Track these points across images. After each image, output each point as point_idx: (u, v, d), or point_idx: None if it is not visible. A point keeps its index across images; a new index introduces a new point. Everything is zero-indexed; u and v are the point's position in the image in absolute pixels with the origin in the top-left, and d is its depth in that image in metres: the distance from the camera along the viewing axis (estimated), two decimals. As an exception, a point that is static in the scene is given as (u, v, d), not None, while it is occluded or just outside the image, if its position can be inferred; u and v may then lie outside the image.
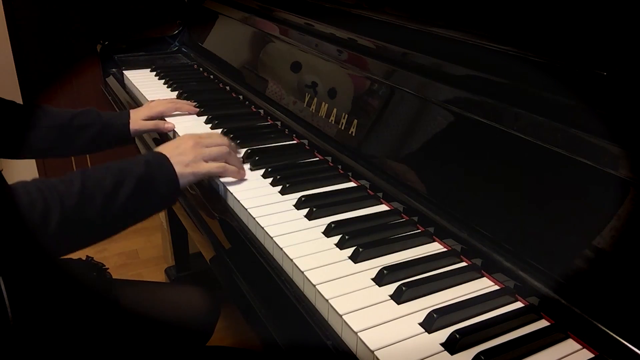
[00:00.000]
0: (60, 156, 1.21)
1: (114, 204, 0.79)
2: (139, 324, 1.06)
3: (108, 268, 1.08)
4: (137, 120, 1.21)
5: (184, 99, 1.37)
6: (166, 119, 1.25)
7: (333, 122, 1.06)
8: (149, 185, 0.84)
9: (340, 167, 1.01)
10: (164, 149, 0.91)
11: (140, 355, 1.03)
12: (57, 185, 0.77)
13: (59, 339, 0.91)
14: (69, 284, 0.98)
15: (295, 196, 0.90)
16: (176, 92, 1.44)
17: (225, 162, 0.95)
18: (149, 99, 1.39)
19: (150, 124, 1.21)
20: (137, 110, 1.24)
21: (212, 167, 0.92)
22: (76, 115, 1.15)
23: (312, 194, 0.90)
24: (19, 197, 0.72)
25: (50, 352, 0.90)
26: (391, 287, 0.68)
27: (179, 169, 0.87)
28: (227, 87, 1.49)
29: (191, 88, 1.47)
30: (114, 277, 1.10)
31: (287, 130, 1.18)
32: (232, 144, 1.00)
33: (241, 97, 1.41)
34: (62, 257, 1.05)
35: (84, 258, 1.09)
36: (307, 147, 1.11)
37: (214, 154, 0.93)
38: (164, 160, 0.87)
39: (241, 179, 0.96)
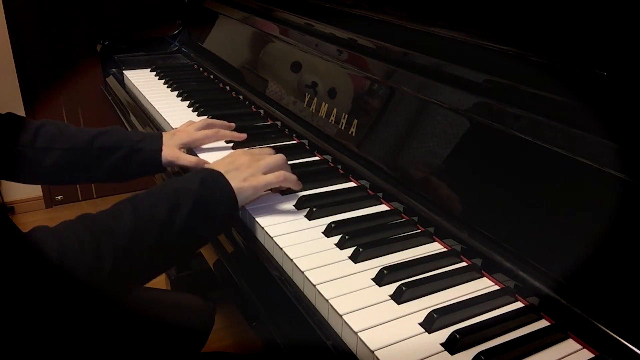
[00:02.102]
0: (74, 183, 1.10)
1: (171, 231, 0.72)
2: (134, 327, 1.05)
3: None
4: (173, 147, 1.03)
5: (189, 102, 1.35)
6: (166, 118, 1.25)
7: (333, 122, 1.06)
8: (206, 206, 0.76)
9: (340, 167, 1.01)
10: (218, 165, 0.85)
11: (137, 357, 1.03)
12: (107, 222, 0.69)
13: (54, 338, 0.91)
14: (64, 282, 0.98)
15: (295, 196, 0.90)
16: (176, 92, 1.44)
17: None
18: (149, 99, 1.39)
19: (193, 160, 1.01)
20: (170, 135, 1.06)
21: (271, 177, 0.86)
22: (97, 136, 1.00)
23: (312, 194, 0.90)
24: (67, 244, 0.64)
25: (46, 350, 0.90)
26: (391, 287, 0.68)
27: (236, 183, 0.81)
28: (227, 87, 1.49)
29: (191, 88, 1.47)
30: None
31: (287, 130, 1.18)
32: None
33: (241, 97, 1.41)
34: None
35: None
36: (307, 147, 1.11)
37: (270, 164, 0.87)
38: (220, 177, 0.80)
39: None
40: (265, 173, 0.86)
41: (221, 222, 0.81)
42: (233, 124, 1.14)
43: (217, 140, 1.11)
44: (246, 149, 0.93)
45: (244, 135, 1.12)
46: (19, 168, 0.98)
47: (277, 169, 0.88)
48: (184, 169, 1.04)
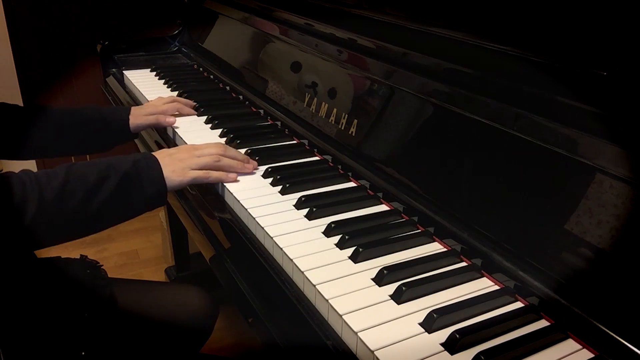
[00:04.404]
0: (61, 155, 1.20)
1: (95, 199, 0.80)
2: (138, 323, 1.06)
3: (102, 265, 1.08)
4: (139, 115, 1.20)
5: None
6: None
7: (333, 122, 1.06)
8: (133, 183, 0.84)
9: (340, 167, 1.01)
10: (159, 153, 0.92)
11: (139, 355, 1.03)
12: (40, 177, 0.78)
13: (55, 336, 0.91)
14: (62, 281, 0.98)
15: (295, 196, 0.90)
16: (176, 92, 1.44)
17: (215, 169, 0.95)
18: (149, 99, 1.39)
19: (152, 118, 1.20)
20: (138, 108, 1.24)
21: (197, 174, 0.92)
22: (76, 112, 1.15)
23: (312, 194, 0.90)
24: (14, 183, 0.74)
25: (46, 349, 0.90)
26: (391, 287, 0.68)
27: (166, 172, 0.88)
28: (227, 87, 1.49)
29: (191, 88, 1.47)
30: (114, 277, 1.10)
31: (287, 130, 1.18)
32: (232, 149, 1.00)
33: (241, 97, 1.41)
34: (59, 257, 1.05)
35: (77, 257, 1.09)
36: (307, 147, 1.11)
37: (202, 163, 0.94)
38: (154, 161, 0.88)
39: (243, 179, 0.96)
40: (197, 169, 0.93)
41: (144, 201, 0.87)
42: (194, 103, 1.32)
43: (177, 111, 1.26)
44: (193, 144, 1.01)
45: (195, 113, 1.29)
46: (11, 147, 1.12)
47: (208, 167, 0.94)
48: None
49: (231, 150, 0.99)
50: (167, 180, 0.88)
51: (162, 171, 0.88)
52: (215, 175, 0.94)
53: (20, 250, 0.81)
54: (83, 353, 0.91)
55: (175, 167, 0.90)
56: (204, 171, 0.93)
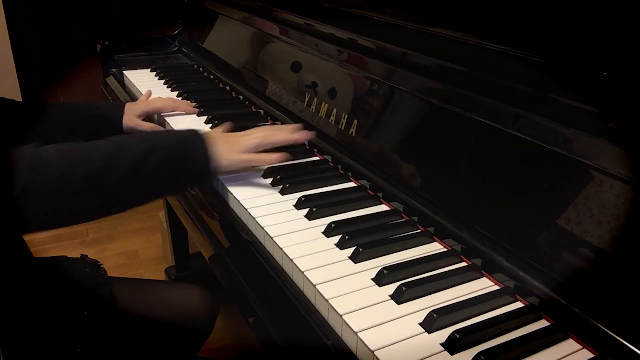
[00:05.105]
0: None
1: (141, 170, 0.78)
2: (137, 322, 1.06)
3: (102, 264, 1.08)
4: (132, 116, 1.17)
5: (184, 99, 1.36)
6: (166, 118, 1.25)
7: (333, 122, 1.06)
8: (179, 158, 0.83)
9: (340, 167, 1.01)
10: (211, 131, 0.91)
11: (139, 354, 1.03)
12: (87, 148, 0.77)
13: (54, 335, 0.91)
14: (61, 280, 0.99)
15: (295, 196, 0.90)
16: (176, 92, 1.44)
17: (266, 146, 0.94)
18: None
19: (147, 126, 1.18)
20: (133, 104, 1.21)
21: (249, 157, 0.91)
22: (73, 108, 1.14)
23: (312, 194, 0.90)
24: (43, 157, 0.72)
25: (45, 348, 0.90)
26: (391, 287, 0.68)
27: (216, 151, 0.87)
28: (227, 87, 1.49)
29: (191, 88, 1.47)
30: (114, 277, 1.10)
31: (287, 130, 1.18)
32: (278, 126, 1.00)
33: (241, 97, 1.41)
34: (59, 256, 1.05)
35: (78, 256, 1.09)
36: (307, 147, 1.11)
37: (253, 144, 0.92)
38: (203, 139, 0.87)
39: (243, 179, 0.96)
40: (246, 152, 0.91)
41: (190, 178, 0.87)
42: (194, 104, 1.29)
43: (174, 110, 1.24)
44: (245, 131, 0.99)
45: (195, 110, 1.27)
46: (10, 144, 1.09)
47: (259, 149, 0.93)
48: None
49: (279, 127, 0.99)
50: (217, 161, 0.87)
51: (210, 150, 0.86)
52: (273, 157, 0.93)
53: (63, 223, 0.78)
54: (79, 350, 0.90)
55: (224, 148, 0.89)
56: (258, 155, 0.92)
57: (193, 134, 0.88)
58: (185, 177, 0.86)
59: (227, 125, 1.05)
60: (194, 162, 0.85)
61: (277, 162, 0.94)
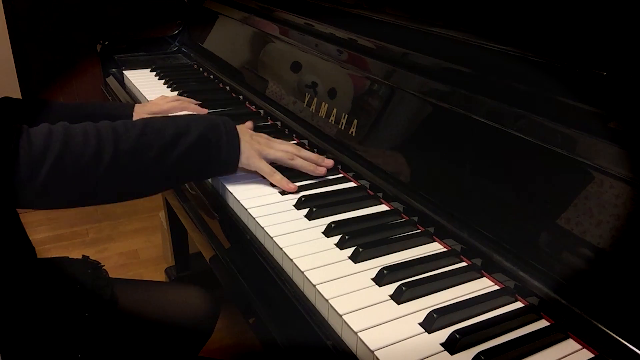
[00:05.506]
0: None
1: (170, 154, 0.79)
2: (139, 323, 1.06)
3: (104, 265, 1.09)
4: (142, 115, 1.17)
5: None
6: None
7: (333, 122, 1.06)
8: (209, 144, 0.83)
9: (340, 167, 1.01)
10: (240, 126, 0.91)
11: (140, 355, 1.03)
12: (118, 127, 0.77)
13: (55, 336, 0.91)
14: (63, 281, 0.99)
15: (295, 196, 0.90)
16: (176, 92, 1.44)
17: (287, 166, 0.94)
18: (149, 99, 1.39)
19: None
20: (142, 105, 1.21)
21: (263, 166, 0.91)
22: (81, 107, 1.14)
23: (312, 194, 0.90)
24: (74, 134, 0.73)
25: (47, 349, 0.90)
26: (391, 287, 0.68)
27: (242, 145, 0.87)
28: (227, 87, 1.49)
29: (191, 88, 1.47)
30: (114, 277, 1.10)
31: (287, 130, 1.18)
32: (305, 150, 0.98)
33: (241, 97, 1.41)
34: (61, 257, 1.05)
35: (79, 257, 1.09)
36: (307, 147, 1.11)
37: (276, 156, 0.93)
38: (233, 130, 0.87)
39: (243, 179, 0.96)
40: (265, 159, 0.92)
41: (217, 165, 0.87)
42: (199, 102, 1.30)
43: (182, 110, 1.24)
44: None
45: (204, 110, 1.27)
46: None
47: (282, 162, 0.94)
48: None
49: (305, 152, 0.97)
50: (240, 155, 0.88)
51: (240, 141, 0.87)
52: (277, 178, 0.91)
53: (90, 201, 0.79)
54: (80, 352, 0.90)
55: (250, 146, 0.89)
56: (270, 168, 0.92)
57: (224, 122, 0.88)
58: (214, 163, 0.86)
59: (251, 122, 1.06)
60: (224, 149, 0.85)
61: (287, 190, 0.91)
